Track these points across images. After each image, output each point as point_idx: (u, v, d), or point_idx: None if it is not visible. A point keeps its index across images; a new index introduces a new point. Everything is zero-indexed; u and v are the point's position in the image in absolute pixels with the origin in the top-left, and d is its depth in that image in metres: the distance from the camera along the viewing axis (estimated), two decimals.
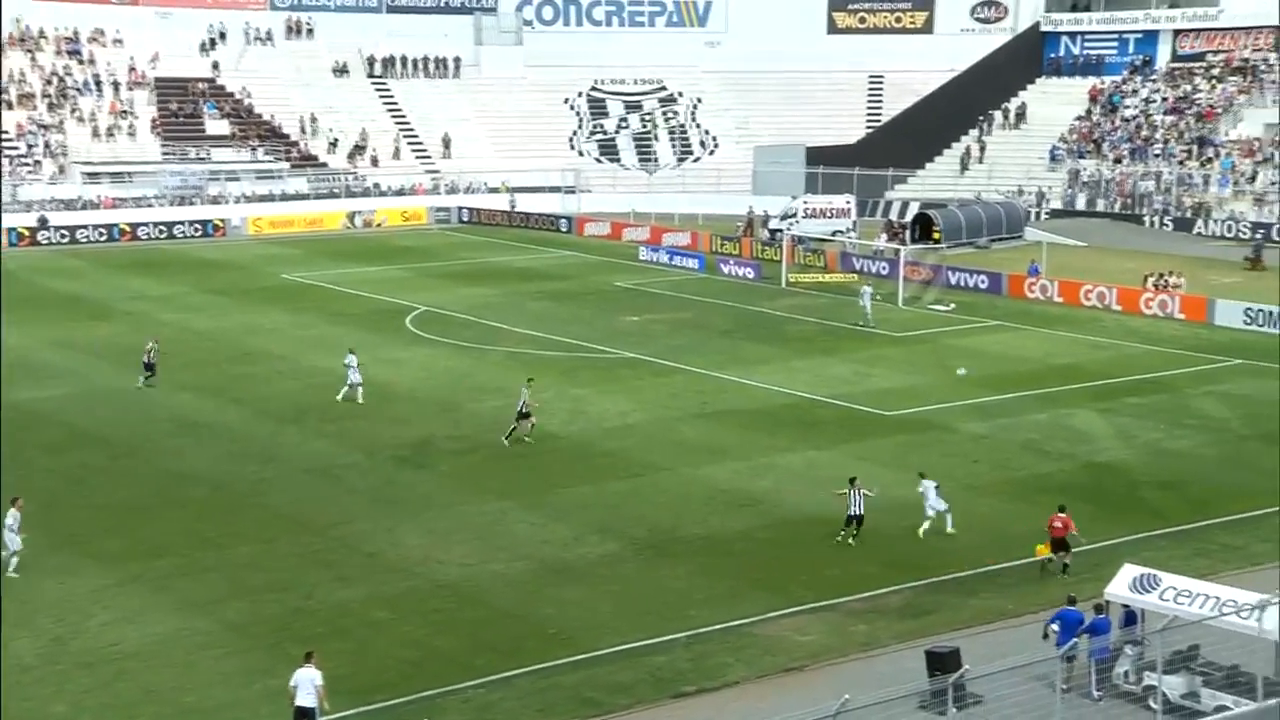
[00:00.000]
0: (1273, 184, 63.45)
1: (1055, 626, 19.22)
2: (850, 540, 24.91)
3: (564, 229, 69.21)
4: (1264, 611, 16.58)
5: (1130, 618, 18.79)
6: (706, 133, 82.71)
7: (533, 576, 23.77)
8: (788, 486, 28.38)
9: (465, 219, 72.89)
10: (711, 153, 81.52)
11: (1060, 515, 23.72)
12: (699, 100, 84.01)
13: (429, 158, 78.48)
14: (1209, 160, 66.88)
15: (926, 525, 25.52)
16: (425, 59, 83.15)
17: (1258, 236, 59.26)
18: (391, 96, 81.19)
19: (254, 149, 73.87)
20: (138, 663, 20.58)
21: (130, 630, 21.60)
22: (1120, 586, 18.67)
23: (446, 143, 78.94)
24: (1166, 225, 64.43)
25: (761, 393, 36.13)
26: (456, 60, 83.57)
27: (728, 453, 30.66)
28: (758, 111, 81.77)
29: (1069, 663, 17.86)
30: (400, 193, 74.30)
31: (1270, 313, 43.30)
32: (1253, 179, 64.66)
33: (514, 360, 40.07)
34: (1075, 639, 18.54)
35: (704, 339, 43.32)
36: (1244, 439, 31.38)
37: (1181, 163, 67.65)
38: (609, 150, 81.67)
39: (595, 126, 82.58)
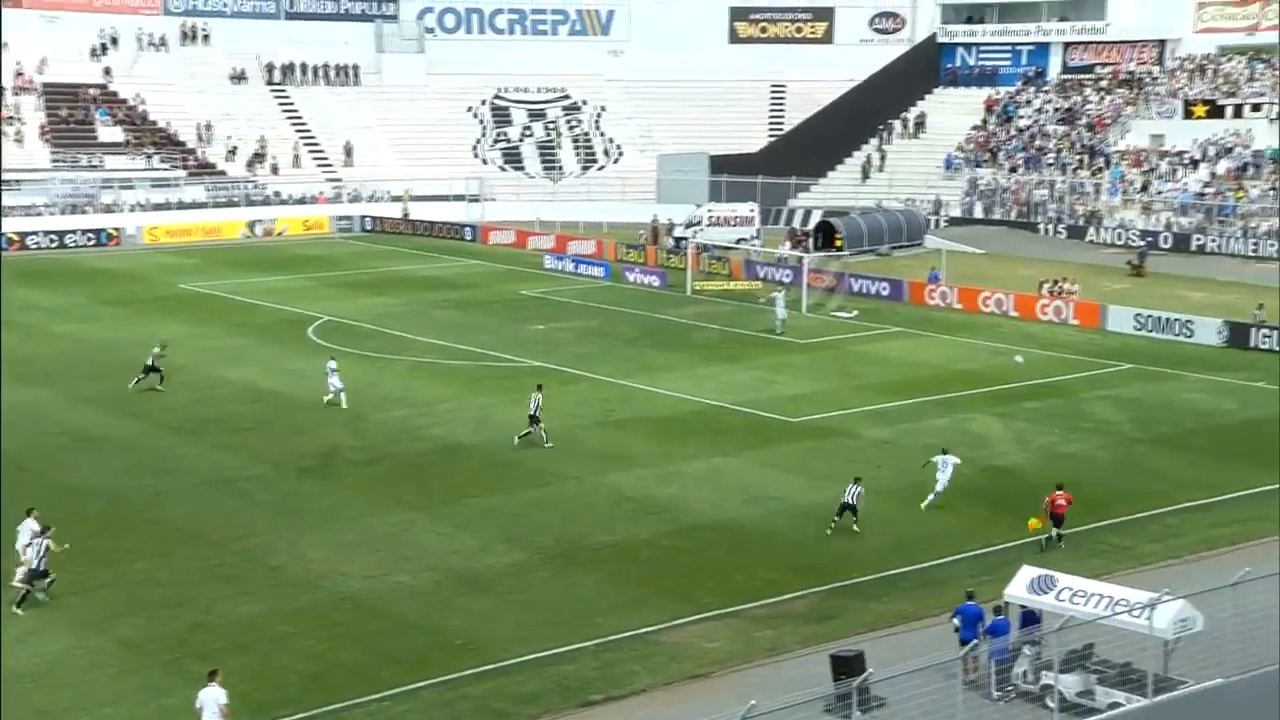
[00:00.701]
0: (1159, 193, 65.42)
1: (957, 621, 19.62)
2: (831, 528, 25.84)
3: (469, 237, 68.83)
4: (1154, 610, 17.06)
5: (1029, 618, 19.22)
6: (610, 141, 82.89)
7: (439, 587, 23.58)
8: (694, 493, 28.50)
9: (368, 228, 72.15)
10: (616, 161, 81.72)
11: (1062, 493, 25.41)
12: (603, 109, 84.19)
13: (330, 166, 77.54)
14: (1099, 170, 68.76)
15: (931, 499, 26.93)
16: (325, 66, 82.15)
17: (1142, 243, 61.04)
18: (291, 104, 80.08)
19: (149, 157, 72.31)
20: (28, 683, 20.01)
21: (21, 650, 20.99)
22: (1019, 588, 19.08)
23: (348, 151, 78.07)
24: (1060, 233, 66.08)
25: (667, 400, 36.27)
26: (357, 68, 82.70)
27: (634, 460, 30.72)
28: (661, 120, 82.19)
29: (973, 662, 18.20)
30: (301, 201, 73.26)
31: (1159, 318, 44.61)
32: (1144, 188, 66.56)
33: (420, 370, 39.73)
34: (978, 637, 18.92)
35: (610, 347, 43.37)
36: (1135, 442, 32.28)
37: (1074, 171, 69.46)
38: (513, 159, 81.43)
39: (499, 135, 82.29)
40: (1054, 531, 25.29)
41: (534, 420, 31.57)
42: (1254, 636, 17.25)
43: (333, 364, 35.87)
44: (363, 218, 72.73)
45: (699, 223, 63.76)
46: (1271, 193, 61.96)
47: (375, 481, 29.29)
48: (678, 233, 63.69)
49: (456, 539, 25.76)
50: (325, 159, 77.81)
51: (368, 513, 27.13)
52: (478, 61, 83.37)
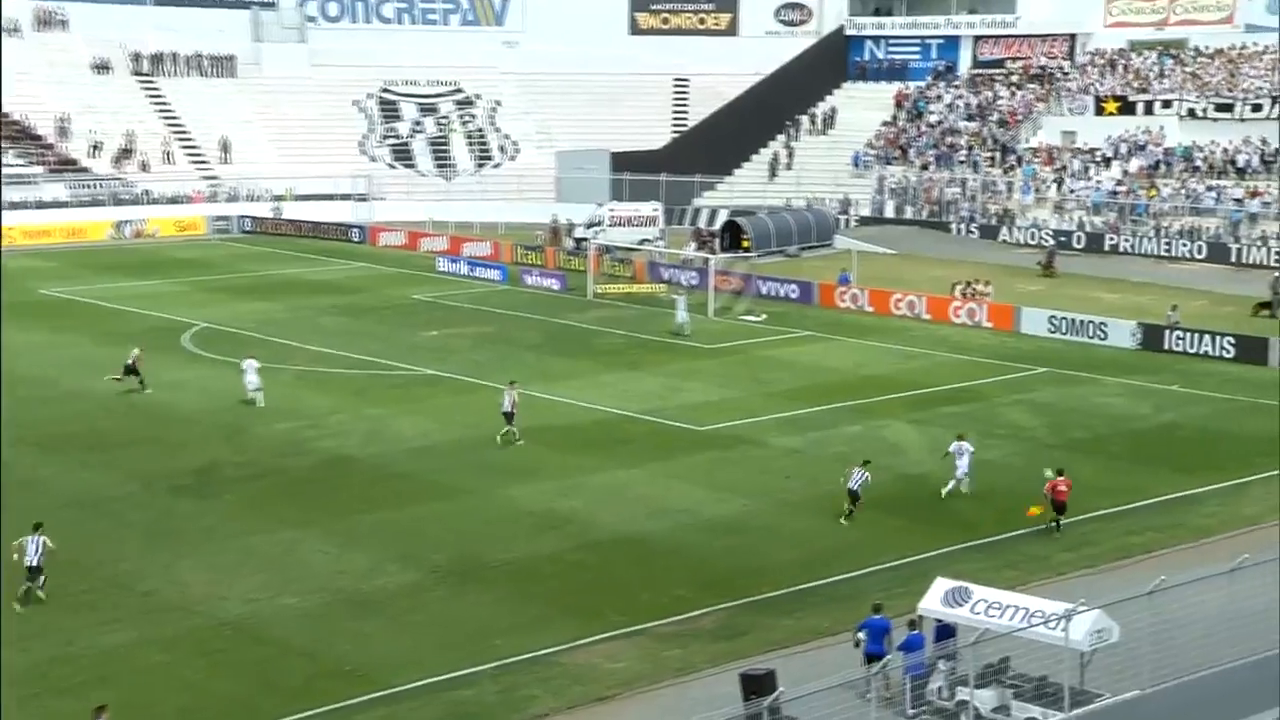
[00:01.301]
0: (1071, 192, 67.09)
1: (863, 635, 19.86)
2: (846, 517, 27.20)
3: (356, 239, 68.11)
4: (1069, 622, 17.46)
5: (944, 632, 19.53)
6: (506, 137, 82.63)
7: (327, 610, 23.29)
8: (597, 507, 28.51)
9: (248, 228, 71.03)
10: (512, 158, 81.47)
11: (1063, 479, 26.92)
12: (498, 103, 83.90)
13: (206, 163, 76.13)
14: (1011, 167, 70.28)
15: (951, 486, 28.51)
16: (199, 56, 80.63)
17: (1051, 243, 62.55)
18: (161, 96, 78.44)
19: (3, 152, 70.33)
20: None
21: None
22: (933, 601, 19.38)
23: (225, 147, 76.73)
24: (972, 232, 67.40)
25: (569, 409, 36.27)
26: (233, 58, 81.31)
27: (535, 473, 30.67)
28: (559, 115, 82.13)
29: (883, 678, 18.45)
30: (174, 200, 71.81)
31: (1073, 320, 45.74)
32: (1060, 183, 68.13)
33: (305, 380, 39.21)
34: (887, 652, 19.19)
35: (508, 354, 43.26)
36: (1050, 448, 33.02)
37: (986, 169, 70.85)
38: (403, 155, 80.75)
39: (388, 130, 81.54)
40: (1055, 519, 26.79)
41: (509, 417, 32.54)
42: (1169, 646, 17.75)
43: (253, 363, 36.29)
44: (241, 218, 71.55)
45: (600, 223, 63.79)
46: (1183, 191, 63.90)
47: (258, 499, 28.84)
48: (578, 233, 63.66)
49: (346, 558, 25.46)
50: (200, 155, 76.37)
51: (250, 532, 26.70)
52: (364, 52, 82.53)
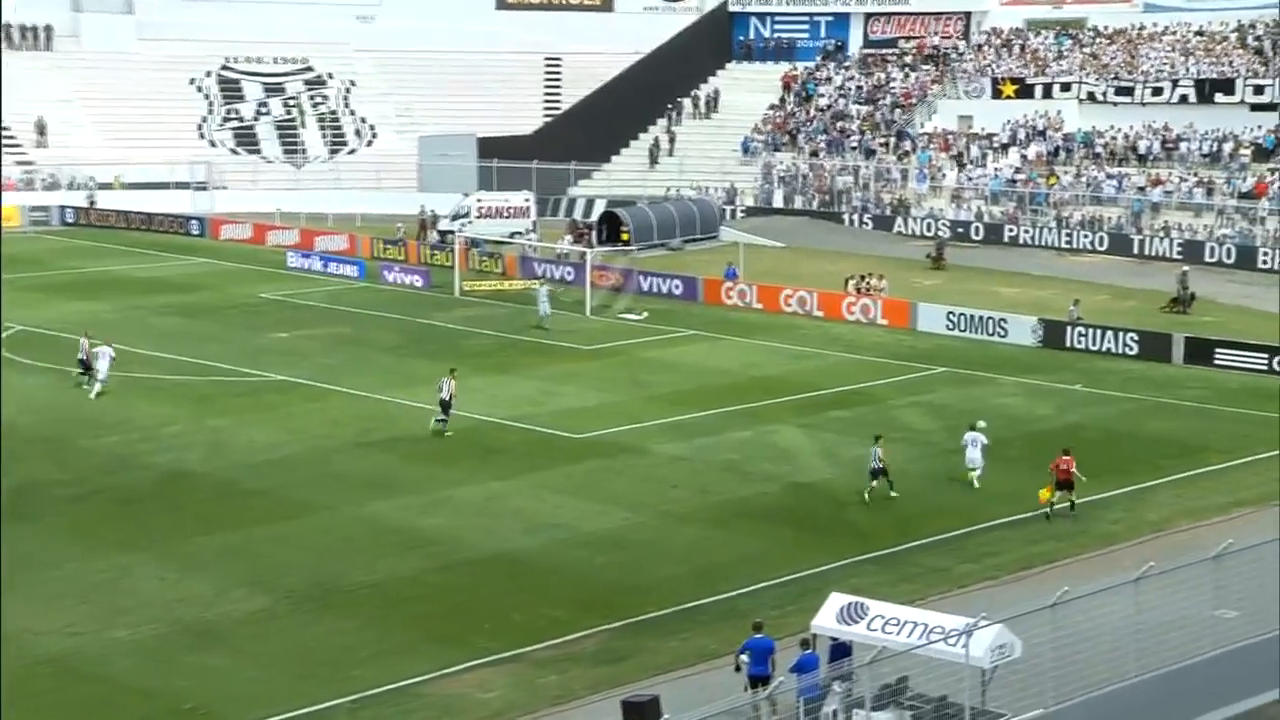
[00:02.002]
0: (969, 180, 68.59)
1: (745, 657, 19.98)
2: (867, 496, 29.46)
3: (195, 232, 66.89)
4: (970, 638, 17.78)
5: (839, 651, 19.73)
6: (363, 120, 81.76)
7: (164, 642, 22.77)
8: (466, 523, 28.38)
9: (70, 220, 69.28)
10: (369, 143, 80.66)
11: (1065, 458, 28.79)
12: (352, 83, 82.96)
13: (19, 147, 73.91)
14: (906, 154, 71.59)
15: (976, 475, 30.38)
16: (8, 27, 78.14)
17: (944, 234, 63.95)
18: None
19: None
20: None
21: None
22: (827, 618, 19.56)
23: (41, 129, 74.59)
24: (866, 223, 68.52)
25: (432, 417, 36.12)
26: (50, 29, 78.97)
27: (397, 486, 30.43)
28: (421, 97, 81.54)
29: (771, 704, 18.61)
30: None
31: (971, 317, 46.73)
32: (961, 167, 69.51)
33: (136, 387, 38.31)
34: (770, 673, 19.32)
35: (366, 357, 42.86)
36: (948, 453, 33.61)
37: (879, 156, 72.02)
38: (247, 140, 79.43)
39: (229, 112, 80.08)
40: (1068, 500, 28.73)
41: (445, 406, 33.85)
42: (1074, 661, 18.18)
43: (108, 350, 37.39)
44: (63, 208, 69.76)
45: (467, 214, 63.57)
46: (1083, 180, 65.74)
47: (85, 520, 28.12)
48: (443, 225, 63.37)
49: (185, 584, 24.94)
50: (13, 139, 74.09)
51: (74, 558, 26.00)
52: (200, 25, 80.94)
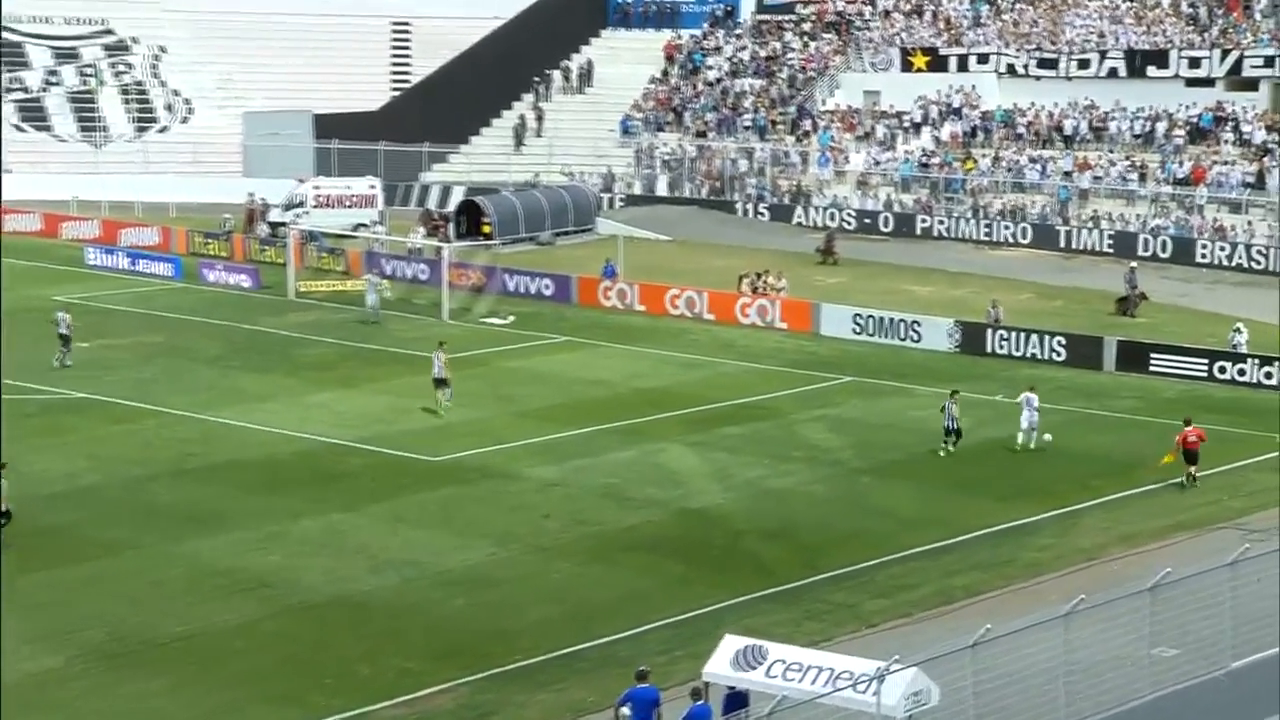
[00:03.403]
0: (876, 164, 69.58)
1: (627, 710, 20.04)
2: (946, 451, 34.76)
3: None
4: (882, 683, 18.02)
5: (734, 701, 19.87)
6: (175, 93, 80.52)
7: None
8: (304, 562, 28.14)
9: None
10: (184, 120, 79.55)
11: (1193, 429, 32.38)
12: (161, 49, 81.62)
13: None
14: (806, 134, 72.39)
15: (1022, 440, 35.00)
16: None
17: (844, 225, 64.77)
18: None
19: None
20: None
21: None
22: (721, 664, 19.69)
23: None
24: (762, 214, 69.15)
25: (266, 438, 35.76)
26: None
27: (222, 520, 30.10)
28: (246, 67, 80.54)
29: None
30: None
31: (881, 319, 47.40)
32: (884, 142, 70.31)
33: None
34: None
35: (184, 369, 42.38)
36: (856, 473, 34.11)
37: (776, 137, 72.69)
38: (34, 115, 77.81)
39: (12, 82, 78.28)
40: (1188, 472, 32.16)
41: (440, 384, 37.20)
42: (997, 707, 18.51)
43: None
44: None
45: (302, 203, 62.99)
46: (1004, 164, 67.05)
47: None
48: (274, 216, 62.69)
49: None
50: None
51: None
52: None
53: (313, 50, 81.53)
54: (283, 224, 60.49)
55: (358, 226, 61.96)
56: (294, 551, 28.69)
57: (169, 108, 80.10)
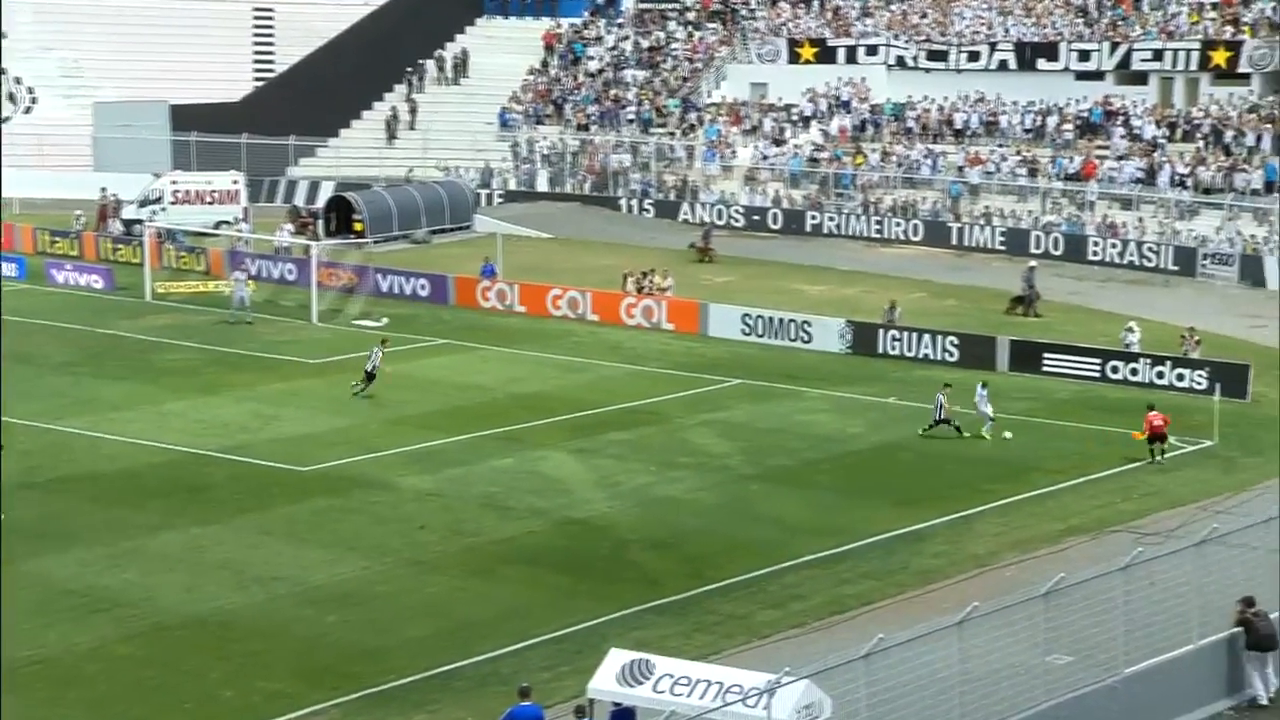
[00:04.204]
0: (764, 158, 70.08)
1: None
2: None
3: None
4: (772, 696, 18.17)
5: (621, 717, 19.95)
6: (17, 82, 78.98)
7: None
8: (162, 579, 27.83)
9: None
10: (27, 110, 78.08)
11: (1158, 414, 35.11)
12: (1, 35, 79.87)
13: None
14: (692, 128, 72.77)
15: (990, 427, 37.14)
16: None
17: (707, 222, 65.21)
18: None
19: None
20: None
21: None
22: (606, 679, 19.75)
23: None
24: (647, 210, 69.39)
25: (121, 449, 35.38)
26: None
27: (73, 537, 29.70)
28: (96, 54, 79.18)
29: None
30: None
31: (769, 320, 47.75)
32: (774, 138, 70.80)
33: None
34: None
35: (30, 377, 41.69)
36: (746, 479, 34.33)
37: (652, 126, 72.96)
38: None
39: None
40: (1161, 450, 34.92)
41: (370, 377, 38.74)
42: (890, 719, 18.73)
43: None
44: None
45: (159, 199, 62.22)
46: (894, 159, 67.82)
47: None
48: (128, 213, 61.87)
49: None
50: None
51: None
52: None
53: (169, 37, 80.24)
54: (138, 221, 59.78)
55: (220, 224, 61.31)
56: (151, 568, 28.33)
57: (11, 97, 78.51)
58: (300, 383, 42.10)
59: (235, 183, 64.20)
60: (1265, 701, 23.07)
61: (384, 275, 54.01)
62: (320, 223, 62.56)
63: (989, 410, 37.23)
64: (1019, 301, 51.49)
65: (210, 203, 62.85)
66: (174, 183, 63.51)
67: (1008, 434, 37.27)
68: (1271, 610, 23.10)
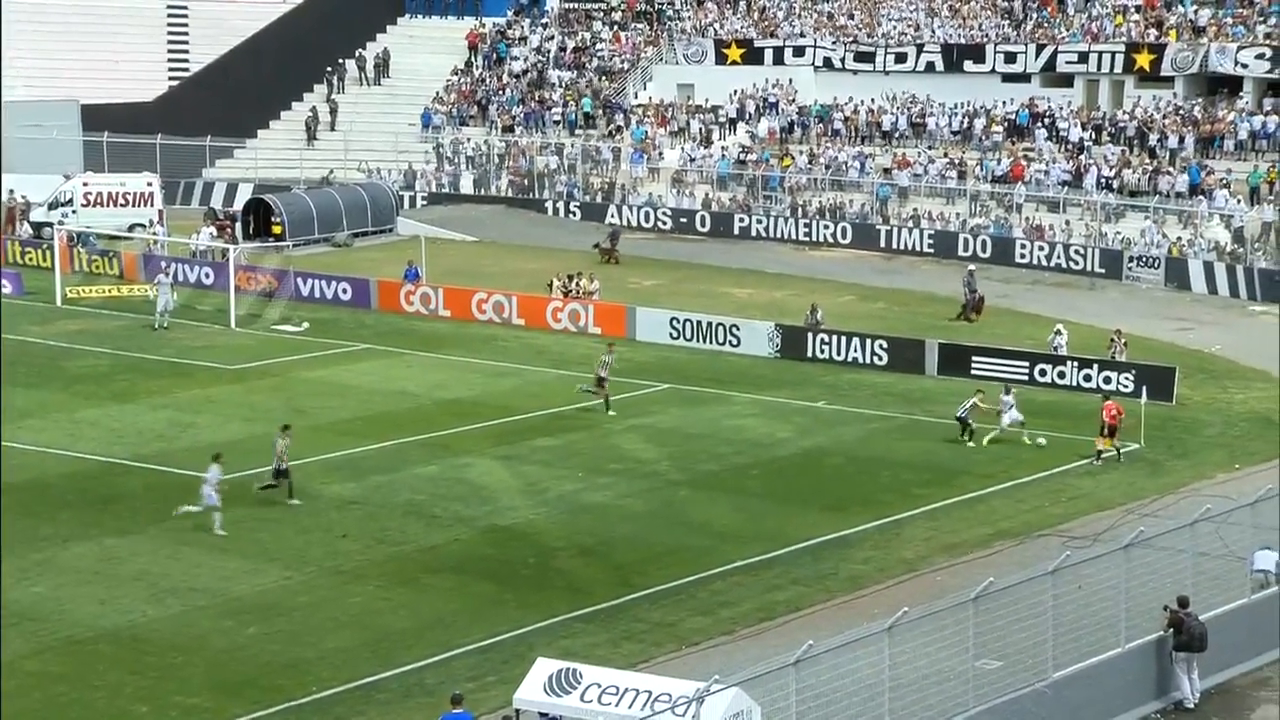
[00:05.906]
0: (691, 160, 70.29)
1: None
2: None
3: None
4: (701, 704, 18.27)
5: None
6: None
7: None
8: (73, 592, 27.60)
9: None
10: None
11: (1113, 404, 36.20)
12: None
13: None
14: (618, 129, 72.87)
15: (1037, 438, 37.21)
16: None
17: (617, 224, 65.32)
18: None
19: None
20: None
21: None
22: (533, 689, 19.79)
23: None
24: (573, 213, 69.38)
25: (31, 458, 35.05)
26: None
27: None
28: (3, 52, 78.08)
29: None
30: None
31: (697, 323, 47.88)
32: (703, 140, 70.89)
33: None
34: None
35: None
36: (674, 485, 34.43)
37: (578, 128, 73.01)
38: None
39: None
40: (1112, 445, 35.66)
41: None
42: None
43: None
44: None
45: (70, 202, 61.64)
46: (822, 161, 68.18)
47: None
48: (37, 216, 61.23)
49: None
50: None
51: None
52: None
53: (79, 35, 79.51)
54: (47, 224, 59.12)
55: (134, 227, 60.76)
56: (62, 581, 28.07)
57: None
58: (217, 389, 41.82)
59: (150, 185, 63.67)
60: (1191, 705, 23.40)
61: (304, 279, 53.72)
62: (238, 225, 62.13)
63: (1019, 416, 37.40)
64: (965, 308, 51.23)
65: (123, 205, 62.27)
66: (85, 185, 62.85)
67: (1041, 440, 37.31)
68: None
